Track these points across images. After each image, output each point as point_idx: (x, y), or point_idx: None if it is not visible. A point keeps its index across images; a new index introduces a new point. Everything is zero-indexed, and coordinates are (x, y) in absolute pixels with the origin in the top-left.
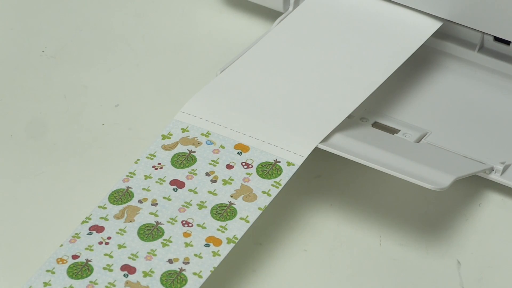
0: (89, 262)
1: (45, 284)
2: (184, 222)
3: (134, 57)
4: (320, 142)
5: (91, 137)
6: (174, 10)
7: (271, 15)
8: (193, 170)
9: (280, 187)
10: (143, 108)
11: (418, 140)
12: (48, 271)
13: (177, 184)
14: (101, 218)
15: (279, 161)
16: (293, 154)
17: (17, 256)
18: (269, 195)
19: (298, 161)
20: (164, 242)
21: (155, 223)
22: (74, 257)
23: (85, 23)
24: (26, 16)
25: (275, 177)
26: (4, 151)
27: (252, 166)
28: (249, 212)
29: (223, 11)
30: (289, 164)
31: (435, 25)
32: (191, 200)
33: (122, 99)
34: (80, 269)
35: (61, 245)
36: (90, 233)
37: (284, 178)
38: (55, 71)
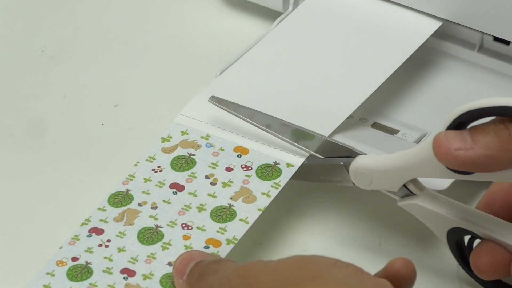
0: (88, 265)
1: (45, 286)
2: (183, 225)
3: (134, 57)
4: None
5: (90, 137)
6: (174, 10)
7: (271, 15)
8: (192, 173)
9: (280, 188)
10: (142, 108)
11: (418, 141)
12: (48, 273)
13: (177, 187)
14: (101, 220)
15: (278, 163)
16: (292, 156)
17: (17, 256)
18: (268, 196)
19: (298, 162)
20: (164, 245)
21: (154, 227)
22: (74, 259)
23: (85, 23)
24: (26, 16)
25: (275, 178)
26: (4, 151)
27: (251, 168)
28: (248, 213)
29: (223, 11)
30: (288, 165)
31: (435, 25)
32: (191, 203)
33: (121, 99)
34: (80, 271)
35: (61, 247)
36: (89, 235)
37: (283, 179)
38: (54, 70)
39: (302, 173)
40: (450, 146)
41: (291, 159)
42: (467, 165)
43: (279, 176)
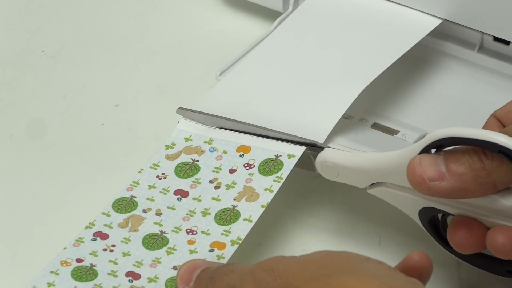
0: (93, 267)
1: (49, 284)
2: (188, 231)
3: (134, 57)
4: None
5: (90, 137)
6: (174, 10)
7: (271, 15)
8: (196, 179)
9: (282, 181)
10: (142, 108)
11: (418, 141)
12: (52, 272)
13: (181, 193)
14: (105, 225)
15: (280, 156)
16: (293, 146)
17: (17, 256)
18: (271, 191)
19: (299, 152)
20: (169, 250)
21: (159, 233)
22: (79, 260)
23: (85, 23)
24: (26, 16)
25: (276, 172)
26: (4, 151)
27: (254, 166)
28: (252, 211)
29: (223, 11)
30: (290, 156)
31: (434, 22)
32: (195, 208)
33: (121, 99)
34: (85, 272)
35: (65, 248)
36: (94, 239)
37: (285, 171)
38: (54, 71)
39: None
40: (425, 175)
41: (292, 149)
42: (440, 195)
43: (281, 169)
